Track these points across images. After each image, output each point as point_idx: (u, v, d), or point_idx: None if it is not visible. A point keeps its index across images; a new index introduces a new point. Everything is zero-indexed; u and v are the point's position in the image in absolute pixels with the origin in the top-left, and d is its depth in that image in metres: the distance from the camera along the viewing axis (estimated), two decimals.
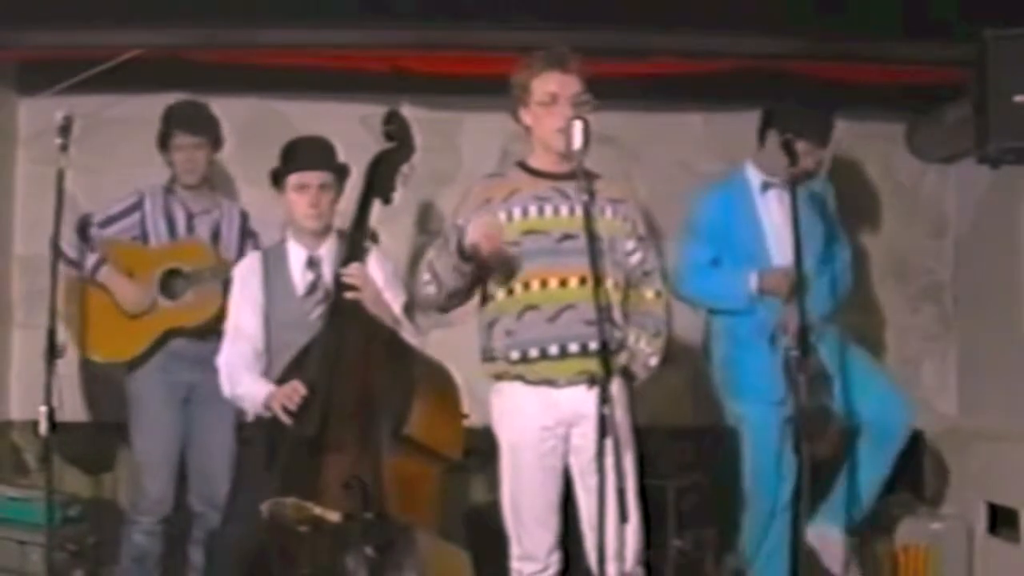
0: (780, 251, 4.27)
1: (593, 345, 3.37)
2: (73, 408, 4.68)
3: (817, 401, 4.20)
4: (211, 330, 4.47)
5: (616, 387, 3.50)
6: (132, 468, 4.60)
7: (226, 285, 4.45)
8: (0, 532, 4.77)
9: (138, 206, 4.59)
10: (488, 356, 3.62)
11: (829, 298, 4.45)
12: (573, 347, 3.48)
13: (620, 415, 3.46)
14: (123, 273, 4.53)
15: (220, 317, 4.46)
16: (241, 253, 4.59)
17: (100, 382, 4.87)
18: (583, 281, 3.41)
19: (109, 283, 4.53)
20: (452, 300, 3.62)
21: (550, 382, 3.52)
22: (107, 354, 4.52)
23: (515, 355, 3.55)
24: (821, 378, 4.27)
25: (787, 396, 4.07)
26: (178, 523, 4.70)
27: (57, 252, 4.44)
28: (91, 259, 4.52)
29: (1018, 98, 3.85)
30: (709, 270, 4.40)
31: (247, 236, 4.68)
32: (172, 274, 4.55)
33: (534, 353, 3.52)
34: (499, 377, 3.61)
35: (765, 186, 4.38)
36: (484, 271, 3.53)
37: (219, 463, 4.59)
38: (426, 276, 3.59)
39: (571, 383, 3.47)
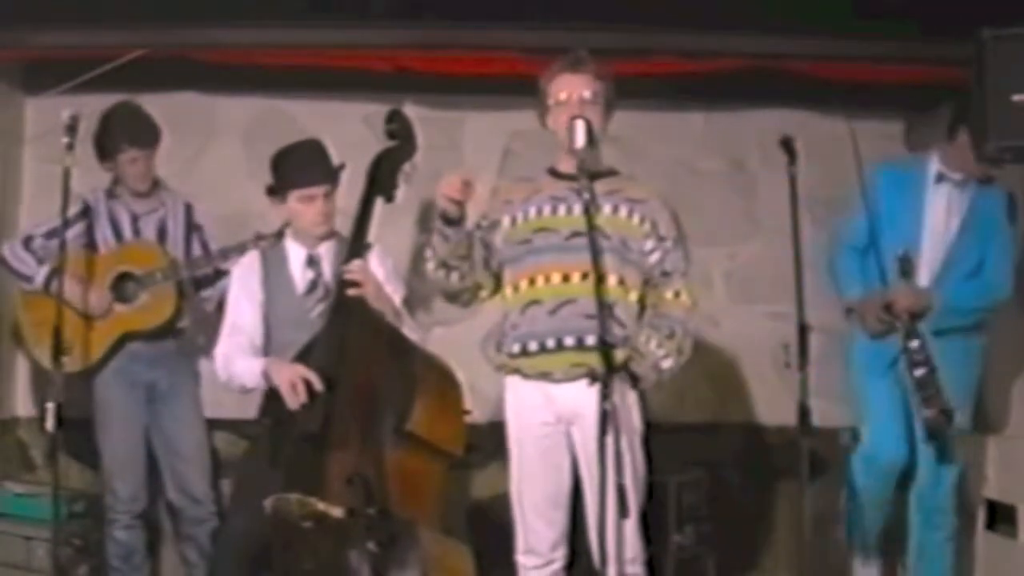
0: (932, 244, 4.33)
1: (590, 340, 3.40)
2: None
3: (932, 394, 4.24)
4: (168, 332, 4.55)
5: (623, 387, 3.53)
6: (103, 471, 4.65)
7: (179, 285, 4.55)
8: (6, 527, 4.81)
9: (84, 214, 4.59)
10: (496, 349, 3.67)
11: (965, 305, 4.35)
12: (569, 340, 3.50)
13: (626, 412, 3.49)
14: (75, 280, 4.48)
15: (175, 319, 4.54)
16: (188, 247, 4.66)
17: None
18: (585, 276, 3.42)
19: (65, 293, 4.36)
20: (451, 276, 3.63)
21: (546, 375, 3.55)
22: (70, 364, 4.38)
23: (515, 348, 3.59)
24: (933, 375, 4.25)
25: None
26: (156, 518, 4.84)
27: (9, 268, 4.51)
28: (42, 272, 4.50)
29: (1016, 97, 3.84)
30: (849, 253, 4.47)
31: (193, 230, 4.71)
32: (123, 278, 4.57)
33: (533, 347, 3.56)
34: (502, 370, 3.66)
35: (940, 177, 4.38)
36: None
37: (189, 457, 4.66)
38: (427, 252, 3.64)
39: (567, 376, 3.51)
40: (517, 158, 5.13)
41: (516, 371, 3.61)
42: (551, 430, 3.59)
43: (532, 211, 3.62)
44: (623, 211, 3.61)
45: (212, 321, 4.45)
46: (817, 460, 4.80)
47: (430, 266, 3.63)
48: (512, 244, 3.63)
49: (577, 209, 3.48)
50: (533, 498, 3.61)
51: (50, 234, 4.47)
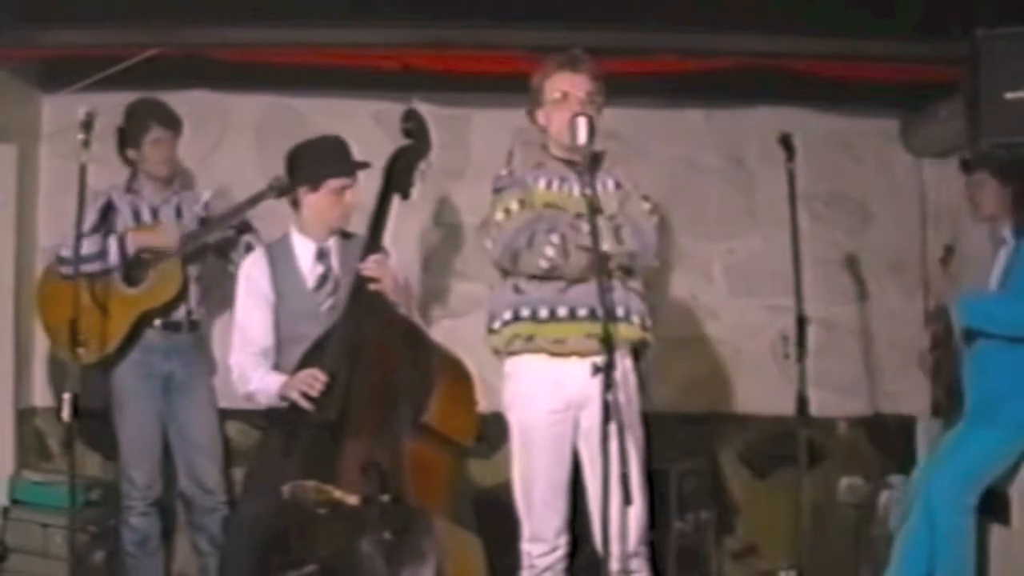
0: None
1: (599, 311, 3.47)
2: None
3: None
4: (178, 305, 4.65)
5: (625, 372, 3.63)
6: (120, 459, 4.72)
7: (185, 259, 4.66)
8: (24, 515, 4.90)
9: (110, 206, 4.66)
10: (498, 323, 3.71)
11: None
12: (582, 311, 3.58)
13: (627, 399, 3.56)
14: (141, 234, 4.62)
15: (184, 292, 4.65)
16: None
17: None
18: None
19: (144, 242, 4.59)
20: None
21: (560, 342, 3.61)
22: (91, 355, 4.51)
23: (525, 312, 3.65)
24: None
25: None
26: (171, 506, 4.90)
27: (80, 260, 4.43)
28: (111, 244, 4.58)
29: (1009, 95, 3.93)
30: None
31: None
32: (132, 263, 4.64)
33: (544, 313, 3.63)
34: (508, 348, 3.69)
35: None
36: None
37: (202, 448, 4.74)
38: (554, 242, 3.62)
39: (580, 346, 3.55)
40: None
41: (528, 340, 3.64)
42: (559, 417, 3.66)
43: (542, 182, 3.72)
44: (610, 185, 3.74)
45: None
46: (814, 449, 4.93)
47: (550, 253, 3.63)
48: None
49: (577, 191, 3.62)
50: (540, 487, 3.68)
51: (92, 231, 4.55)
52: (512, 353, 3.71)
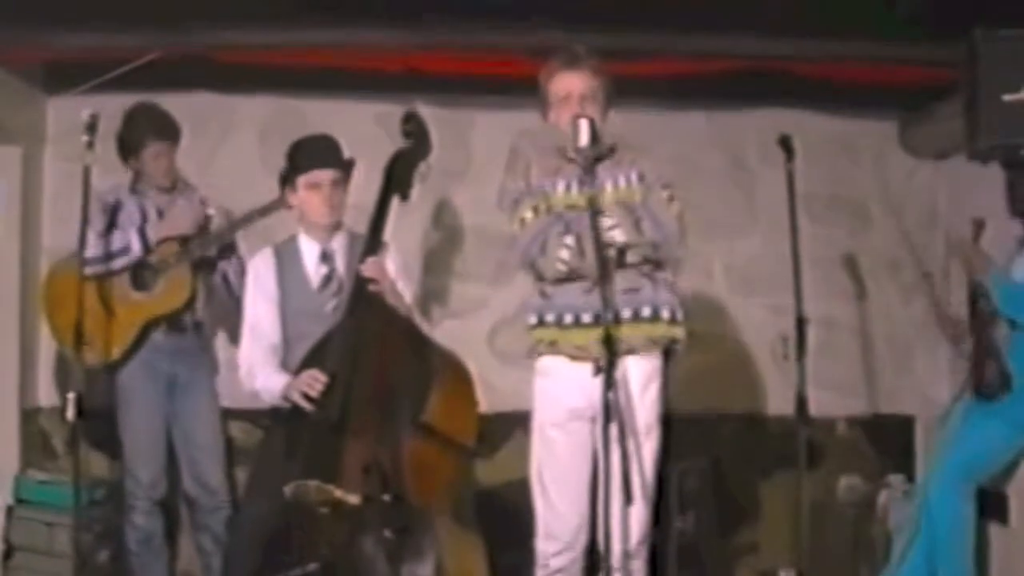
0: None
1: (626, 313, 3.54)
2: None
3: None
4: (187, 313, 4.67)
5: (650, 375, 3.67)
6: (124, 458, 4.74)
7: (194, 267, 4.67)
8: (29, 514, 4.94)
9: (117, 206, 4.68)
10: (529, 327, 3.74)
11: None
12: (607, 315, 3.54)
13: (651, 403, 3.63)
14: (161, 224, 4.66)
15: (193, 299, 4.66)
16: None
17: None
18: (623, 253, 3.58)
19: (162, 231, 4.62)
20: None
21: (581, 348, 3.61)
22: (97, 357, 4.55)
23: (550, 318, 3.67)
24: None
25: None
26: (175, 505, 4.93)
27: (85, 262, 4.36)
28: (132, 238, 4.60)
29: (1006, 97, 3.96)
30: None
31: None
32: (140, 268, 4.67)
33: (568, 319, 3.65)
34: (537, 347, 3.71)
35: None
36: None
37: (205, 448, 4.77)
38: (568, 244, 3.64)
39: (600, 351, 3.48)
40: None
41: (552, 344, 3.67)
42: (580, 415, 3.66)
43: (560, 186, 3.71)
44: (634, 178, 3.73)
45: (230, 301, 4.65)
46: (814, 448, 4.95)
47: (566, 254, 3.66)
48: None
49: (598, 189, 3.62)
50: (559, 483, 3.68)
51: (105, 231, 4.59)
52: (539, 355, 3.74)
